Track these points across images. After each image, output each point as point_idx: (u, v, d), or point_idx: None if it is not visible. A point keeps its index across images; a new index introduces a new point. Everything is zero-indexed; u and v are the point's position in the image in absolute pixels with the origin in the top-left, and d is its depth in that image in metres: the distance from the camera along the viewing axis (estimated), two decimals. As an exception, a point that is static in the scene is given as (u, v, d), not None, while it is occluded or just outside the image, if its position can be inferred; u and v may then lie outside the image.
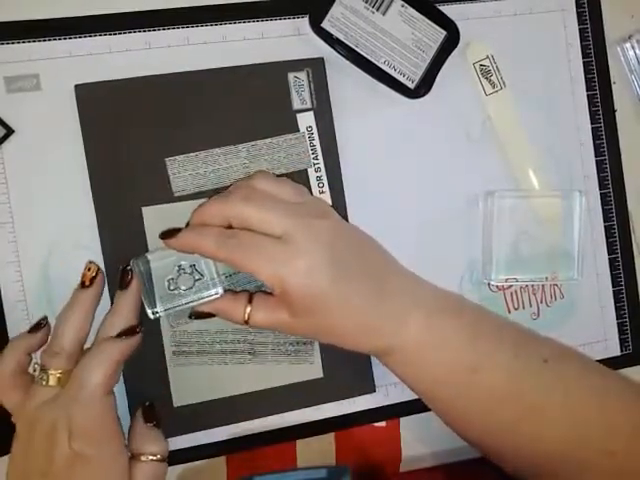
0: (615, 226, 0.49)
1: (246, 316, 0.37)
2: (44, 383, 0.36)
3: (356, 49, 0.43)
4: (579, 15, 0.48)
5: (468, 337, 0.38)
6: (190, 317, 0.39)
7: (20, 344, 0.38)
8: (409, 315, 0.37)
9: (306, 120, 0.43)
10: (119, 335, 0.36)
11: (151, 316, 0.38)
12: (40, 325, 0.38)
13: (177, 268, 0.38)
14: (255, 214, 0.36)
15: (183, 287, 0.38)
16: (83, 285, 0.38)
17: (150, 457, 0.36)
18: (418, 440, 0.46)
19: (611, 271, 0.49)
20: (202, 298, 0.38)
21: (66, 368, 0.36)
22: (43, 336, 0.38)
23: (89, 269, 0.38)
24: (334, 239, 0.36)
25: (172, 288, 0.38)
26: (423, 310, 0.38)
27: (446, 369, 0.38)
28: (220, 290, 0.38)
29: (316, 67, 0.44)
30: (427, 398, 0.40)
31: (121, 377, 0.41)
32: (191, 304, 0.38)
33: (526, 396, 0.38)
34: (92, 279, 0.38)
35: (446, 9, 0.45)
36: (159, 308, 0.38)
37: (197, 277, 0.39)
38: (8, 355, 0.37)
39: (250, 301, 0.38)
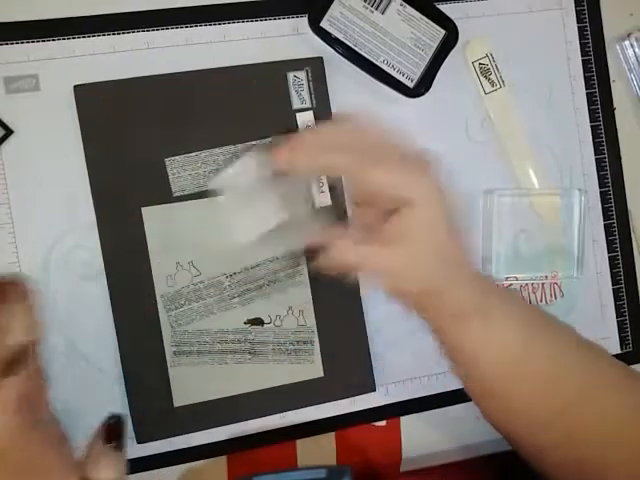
0: (615, 224, 0.49)
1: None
2: None
3: (355, 48, 0.43)
4: (578, 13, 0.48)
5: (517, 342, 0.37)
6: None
7: None
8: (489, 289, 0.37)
9: (305, 119, 0.43)
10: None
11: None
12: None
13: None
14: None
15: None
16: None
17: None
18: (418, 439, 0.46)
19: (611, 269, 0.49)
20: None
21: None
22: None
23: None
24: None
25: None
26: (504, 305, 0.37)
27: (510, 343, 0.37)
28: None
29: (315, 66, 0.44)
30: (475, 375, 0.38)
31: (121, 376, 0.41)
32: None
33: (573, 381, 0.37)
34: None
35: (445, 8, 0.45)
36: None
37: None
38: None
39: None
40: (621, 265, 0.49)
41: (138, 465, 0.42)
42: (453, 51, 0.45)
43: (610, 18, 0.49)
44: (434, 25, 0.44)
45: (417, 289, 0.36)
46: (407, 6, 0.44)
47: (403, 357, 0.46)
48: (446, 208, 0.34)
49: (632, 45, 0.48)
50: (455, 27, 0.44)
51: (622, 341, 0.49)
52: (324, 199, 0.43)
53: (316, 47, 0.44)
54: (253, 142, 0.43)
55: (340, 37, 0.43)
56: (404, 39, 0.44)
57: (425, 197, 0.34)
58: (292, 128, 0.37)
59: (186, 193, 0.42)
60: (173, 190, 0.42)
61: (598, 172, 0.49)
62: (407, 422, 0.46)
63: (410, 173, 0.34)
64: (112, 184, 0.41)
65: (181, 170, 0.42)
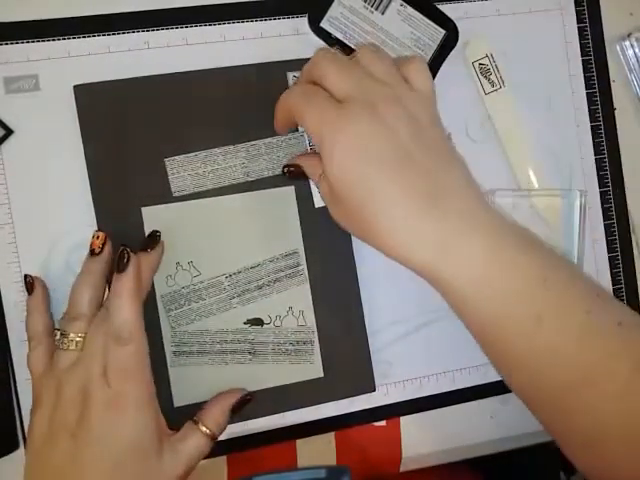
0: (615, 225, 0.49)
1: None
2: (65, 347, 0.37)
3: (355, 48, 0.43)
4: (578, 14, 0.48)
5: (537, 280, 0.33)
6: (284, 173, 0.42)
7: (36, 304, 0.39)
8: (468, 239, 0.33)
9: (305, 120, 0.43)
10: (120, 267, 0.37)
11: None
12: (29, 282, 0.40)
13: None
14: (329, 73, 0.35)
15: None
16: (93, 253, 0.39)
17: (207, 431, 0.38)
18: (418, 440, 0.46)
19: (611, 269, 0.49)
20: None
21: (85, 331, 0.37)
22: (43, 288, 0.40)
23: (97, 237, 0.39)
24: (401, 126, 0.34)
25: None
26: (485, 239, 0.33)
27: (506, 313, 0.33)
28: None
29: (315, 66, 0.44)
30: (479, 341, 0.35)
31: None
32: None
33: (591, 359, 0.33)
34: (101, 246, 0.39)
35: (445, 8, 0.45)
36: None
37: None
38: (33, 317, 0.39)
39: None
40: (621, 265, 0.49)
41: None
42: (453, 51, 0.45)
43: (610, 18, 0.49)
44: (434, 25, 0.44)
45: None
46: (407, 6, 0.44)
47: (403, 357, 0.46)
48: (383, 134, 0.34)
49: (632, 45, 0.48)
50: (455, 27, 0.44)
51: (622, 341, 0.49)
52: (324, 199, 0.43)
53: (316, 47, 0.44)
54: (252, 142, 0.43)
55: (340, 37, 0.43)
56: (404, 39, 0.44)
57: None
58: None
59: (186, 193, 0.42)
60: (173, 190, 0.42)
61: (598, 172, 0.49)
62: (407, 422, 0.46)
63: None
64: (112, 184, 0.41)
65: (181, 170, 0.42)
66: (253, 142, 0.43)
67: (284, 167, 0.41)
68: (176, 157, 0.42)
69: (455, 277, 0.33)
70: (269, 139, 0.43)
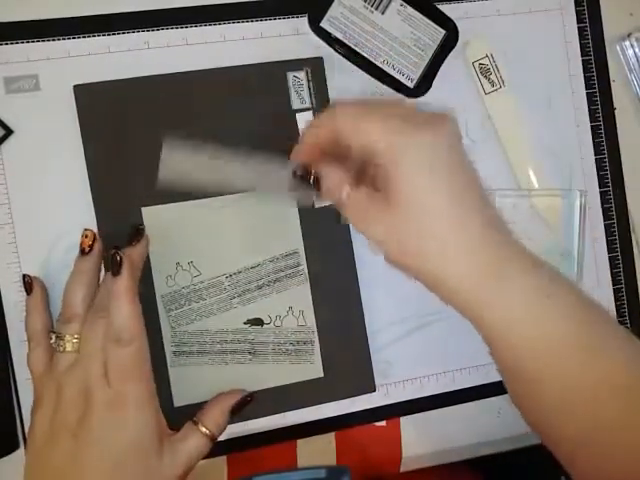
0: (615, 225, 0.49)
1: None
2: (61, 349, 0.37)
3: (355, 48, 0.43)
4: (578, 14, 0.48)
5: (583, 314, 0.33)
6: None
7: (35, 304, 0.39)
8: (512, 273, 0.32)
9: (305, 119, 0.43)
10: (115, 271, 0.37)
11: None
12: (28, 282, 0.40)
13: None
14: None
15: None
16: (83, 252, 0.39)
17: (207, 431, 0.38)
18: (418, 440, 0.46)
19: (611, 269, 0.49)
20: None
21: (81, 332, 0.37)
22: (42, 288, 0.40)
23: (86, 236, 0.39)
24: (456, 142, 0.33)
25: None
26: (525, 272, 0.32)
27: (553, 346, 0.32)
28: None
29: (315, 66, 0.44)
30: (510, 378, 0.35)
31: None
32: None
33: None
34: (91, 245, 0.39)
35: (445, 8, 0.45)
36: None
37: None
38: (32, 317, 0.39)
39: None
40: (621, 265, 0.49)
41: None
42: (453, 51, 0.45)
43: (610, 18, 0.49)
44: (434, 25, 0.44)
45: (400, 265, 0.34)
46: (407, 6, 0.44)
47: (403, 358, 0.46)
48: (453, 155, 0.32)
49: (632, 45, 0.48)
50: (455, 27, 0.44)
51: (622, 341, 0.49)
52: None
53: (316, 47, 0.44)
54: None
55: (340, 37, 0.43)
56: (404, 39, 0.44)
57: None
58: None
59: (171, 179, 0.42)
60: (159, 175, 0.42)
61: (598, 172, 0.49)
62: (407, 422, 0.46)
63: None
64: (112, 184, 0.41)
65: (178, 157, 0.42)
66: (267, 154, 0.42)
67: (294, 171, 0.36)
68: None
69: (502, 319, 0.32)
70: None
